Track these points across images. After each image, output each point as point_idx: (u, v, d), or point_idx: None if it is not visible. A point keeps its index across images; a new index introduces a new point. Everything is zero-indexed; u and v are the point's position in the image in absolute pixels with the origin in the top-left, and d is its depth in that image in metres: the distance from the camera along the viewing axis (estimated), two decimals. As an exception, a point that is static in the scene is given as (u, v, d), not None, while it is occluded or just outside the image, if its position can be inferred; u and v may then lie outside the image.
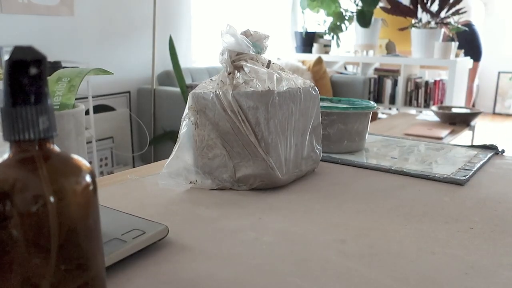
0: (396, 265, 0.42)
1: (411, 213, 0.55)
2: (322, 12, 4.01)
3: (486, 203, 0.59)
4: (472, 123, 2.35)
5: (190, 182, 0.63)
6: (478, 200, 0.60)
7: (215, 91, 0.61)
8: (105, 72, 0.54)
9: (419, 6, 3.58)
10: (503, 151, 0.86)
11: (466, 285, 0.39)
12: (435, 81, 3.69)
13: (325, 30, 4.07)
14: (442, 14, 3.54)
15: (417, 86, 3.74)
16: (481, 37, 4.49)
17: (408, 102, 3.78)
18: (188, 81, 2.91)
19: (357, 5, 3.82)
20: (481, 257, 0.44)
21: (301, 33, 4.15)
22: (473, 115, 2.31)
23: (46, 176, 0.25)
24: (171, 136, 2.74)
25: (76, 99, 0.52)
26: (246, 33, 0.64)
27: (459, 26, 3.54)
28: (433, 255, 0.44)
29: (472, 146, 0.86)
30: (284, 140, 0.63)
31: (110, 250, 0.40)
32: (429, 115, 2.62)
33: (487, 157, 0.79)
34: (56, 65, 2.12)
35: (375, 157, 0.80)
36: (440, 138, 1.99)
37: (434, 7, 3.57)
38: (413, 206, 0.58)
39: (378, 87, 3.94)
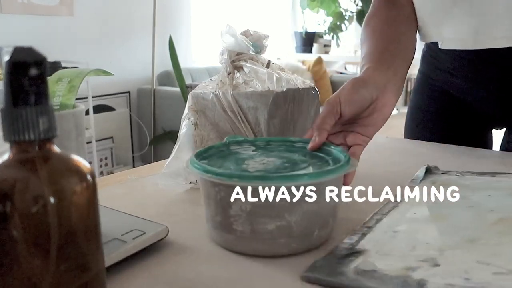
0: (395, 265, 0.42)
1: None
2: (322, 12, 4.01)
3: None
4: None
5: (190, 183, 0.63)
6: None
7: (215, 91, 0.61)
8: (105, 72, 0.54)
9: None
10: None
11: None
12: (435, 81, 3.68)
13: (325, 30, 4.08)
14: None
15: (417, 86, 3.73)
16: None
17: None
18: (188, 81, 2.91)
19: (357, 5, 3.82)
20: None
21: (301, 33, 4.15)
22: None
23: (46, 176, 0.25)
24: (171, 136, 2.74)
25: (76, 99, 0.53)
26: (245, 33, 0.64)
27: None
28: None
29: None
30: (284, 140, 0.63)
31: (110, 251, 0.40)
32: (429, 115, 2.61)
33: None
34: (56, 65, 2.13)
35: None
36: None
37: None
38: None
39: (378, 87, 3.93)
